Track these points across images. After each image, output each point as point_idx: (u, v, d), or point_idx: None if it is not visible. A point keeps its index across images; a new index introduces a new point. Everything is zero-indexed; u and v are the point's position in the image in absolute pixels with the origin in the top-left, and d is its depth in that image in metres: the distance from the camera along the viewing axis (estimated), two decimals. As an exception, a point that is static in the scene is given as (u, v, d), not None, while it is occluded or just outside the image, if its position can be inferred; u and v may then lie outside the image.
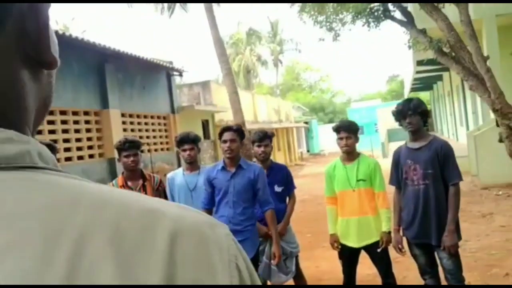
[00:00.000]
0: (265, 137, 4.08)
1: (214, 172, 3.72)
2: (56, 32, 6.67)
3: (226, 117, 15.50)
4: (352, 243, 3.84)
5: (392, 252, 3.84)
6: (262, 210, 3.72)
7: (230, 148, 3.62)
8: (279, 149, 25.28)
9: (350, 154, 3.88)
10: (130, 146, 3.69)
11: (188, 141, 3.96)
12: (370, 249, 3.83)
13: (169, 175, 4.25)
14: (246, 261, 0.46)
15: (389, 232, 3.77)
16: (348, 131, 3.82)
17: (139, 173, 3.82)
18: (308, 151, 35.53)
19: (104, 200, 0.41)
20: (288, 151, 27.74)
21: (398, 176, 3.65)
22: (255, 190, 3.66)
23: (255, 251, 3.71)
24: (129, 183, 3.77)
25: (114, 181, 3.82)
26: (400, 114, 3.52)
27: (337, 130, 3.89)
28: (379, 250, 3.76)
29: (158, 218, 0.41)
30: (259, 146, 4.07)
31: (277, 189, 4.13)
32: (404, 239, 3.69)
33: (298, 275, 4.25)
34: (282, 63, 49.93)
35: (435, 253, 3.54)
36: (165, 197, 3.94)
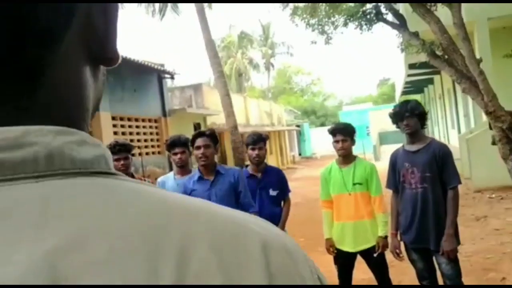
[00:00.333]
0: (259, 140, 3.99)
1: (191, 184, 3.50)
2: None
3: (218, 120, 15.41)
4: (348, 247, 3.77)
5: (387, 256, 3.77)
6: None
7: (205, 154, 3.41)
8: (271, 153, 25.22)
9: (346, 157, 3.81)
10: (120, 150, 3.60)
11: (179, 144, 3.86)
12: (366, 254, 3.76)
13: (159, 179, 4.15)
14: (320, 272, 0.44)
15: (386, 237, 3.70)
16: (344, 133, 3.75)
17: (130, 177, 3.71)
18: (300, 154, 35.52)
19: (193, 209, 0.40)
20: (280, 155, 27.69)
21: (395, 180, 3.58)
22: (237, 194, 3.50)
23: None
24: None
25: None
26: (397, 116, 3.45)
27: (332, 132, 3.82)
28: (375, 255, 3.69)
29: (245, 227, 0.40)
30: (253, 149, 3.98)
31: (272, 193, 4.05)
32: (402, 243, 3.63)
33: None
34: (274, 67, 50.06)
35: (434, 258, 3.48)
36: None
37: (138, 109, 11.26)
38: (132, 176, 3.77)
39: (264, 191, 4.02)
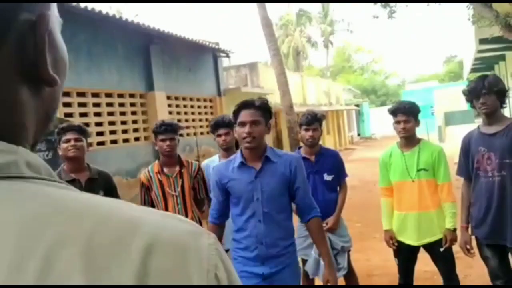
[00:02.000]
0: (314, 119, 3.67)
1: (230, 170, 2.61)
2: (101, 14, 6.53)
3: (274, 99, 15.12)
4: (410, 240, 3.41)
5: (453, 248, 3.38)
6: (304, 219, 2.69)
7: (251, 133, 2.47)
8: (329, 133, 24.65)
9: (409, 140, 3.41)
10: (166, 130, 3.41)
11: (223, 125, 3.62)
12: (431, 247, 3.39)
13: (204, 162, 3.94)
14: (229, 271, 0.46)
15: (454, 230, 3.30)
16: (407, 113, 3.35)
17: (176, 159, 3.54)
18: (358, 134, 34.59)
19: (84, 211, 0.42)
20: (338, 135, 27.02)
21: (468, 166, 3.15)
22: (293, 192, 2.60)
23: (298, 282, 2.79)
24: (165, 170, 3.50)
25: (150, 167, 3.57)
26: (472, 93, 3.00)
27: (393, 112, 3.43)
28: (442, 249, 3.31)
29: (136, 229, 0.42)
30: (307, 130, 3.67)
31: (327, 177, 3.74)
32: (473, 238, 3.22)
33: (350, 272, 3.86)
34: (333, 44, 48.69)
35: (510, 256, 3.05)
36: (204, 185, 3.65)
37: (193, 88, 11.19)
38: (179, 158, 3.58)
39: (318, 176, 3.73)
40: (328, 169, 3.74)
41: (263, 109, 2.58)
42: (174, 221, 0.46)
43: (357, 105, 33.97)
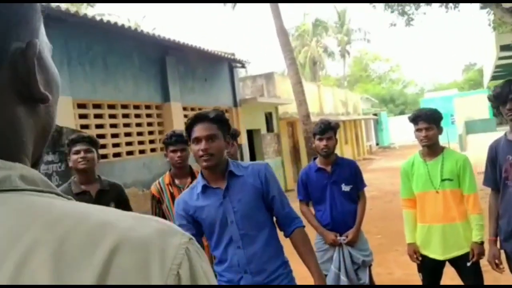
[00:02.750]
0: (328, 128, 3.54)
1: (194, 198, 2.29)
2: (116, 25, 6.52)
3: (291, 109, 14.99)
4: (435, 254, 3.23)
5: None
6: (286, 233, 2.36)
7: (207, 150, 2.17)
8: (346, 142, 24.39)
9: (432, 148, 3.25)
10: (177, 141, 3.32)
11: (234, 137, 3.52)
12: (457, 262, 3.20)
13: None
14: (194, 269, 0.48)
15: (482, 243, 3.11)
16: (429, 120, 3.19)
17: (188, 170, 3.44)
18: (377, 144, 34.17)
19: (62, 217, 0.46)
20: (356, 144, 26.72)
21: (495, 176, 2.97)
22: (268, 202, 2.30)
23: None
24: (177, 181, 3.40)
25: (160, 179, 3.48)
26: (498, 99, 2.83)
27: (414, 120, 3.27)
28: (469, 264, 3.12)
29: (106, 231, 0.45)
30: (320, 139, 3.54)
31: (345, 188, 3.60)
32: (502, 252, 3.02)
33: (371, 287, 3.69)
34: (350, 54, 48.43)
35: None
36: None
37: (209, 98, 11.15)
38: (190, 169, 3.48)
39: (335, 187, 3.58)
40: (345, 179, 3.60)
41: (219, 121, 2.26)
42: (148, 223, 0.49)
43: (375, 114, 33.62)
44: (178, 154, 3.32)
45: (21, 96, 0.52)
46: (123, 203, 3.21)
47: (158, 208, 3.45)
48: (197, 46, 10.16)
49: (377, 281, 4.89)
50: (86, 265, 0.43)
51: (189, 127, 2.25)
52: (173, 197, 3.37)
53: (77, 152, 3.03)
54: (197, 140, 2.20)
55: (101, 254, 0.43)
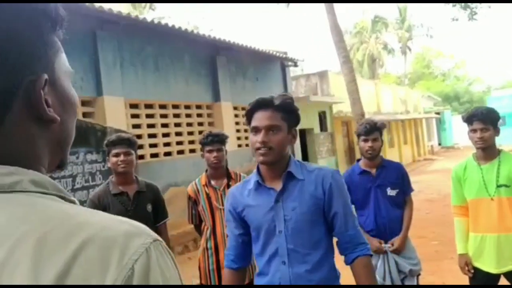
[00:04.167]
0: (373, 129, 3.33)
1: (245, 194, 1.99)
2: (167, 27, 6.60)
3: (345, 108, 14.64)
4: (489, 267, 2.94)
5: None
6: (347, 259, 1.96)
7: (266, 143, 1.85)
8: (406, 142, 23.52)
9: (487, 151, 2.97)
10: (213, 141, 3.25)
11: None
12: (514, 276, 2.90)
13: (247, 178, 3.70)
14: (149, 266, 0.55)
15: (544, 256, 2.80)
16: (484, 121, 2.92)
17: (224, 171, 3.37)
18: (439, 144, 32.71)
19: (53, 216, 0.56)
20: (417, 144, 25.71)
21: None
22: (329, 218, 1.91)
23: None
24: (213, 182, 3.34)
25: (197, 180, 3.43)
26: None
27: (469, 120, 3.01)
28: (528, 279, 2.82)
29: (82, 229, 0.55)
30: (365, 140, 3.34)
31: (390, 192, 3.37)
32: None
33: (418, 300, 3.44)
34: (411, 50, 46.75)
35: None
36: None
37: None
38: (227, 170, 3.40)
39: (380, 190, 3.37)
40: (391, 182, 3.37)
41: (286, 110, 1.89)
42: (120, 225, 0.58)
43: (437, 113, 32.19)
44: (214, 154, 3.26)
45: (35, 117, 0.64)
46: (159, 203, 3.19)
47: (194, 209, 3.40)
48: (248, 46, 10.12)
49: (430, 291, 4.60)
50: (59, 254, 0.52)
51: (250, 113, 1.93)
52: (209, 198, 3.31)
53: (117, 155, 3.03)
54: (256, 130, 1.87)
55: (73, 246, 0.53)
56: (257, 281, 2.01)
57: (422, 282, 4.71)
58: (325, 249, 1.91)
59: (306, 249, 1.87)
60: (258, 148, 1.85)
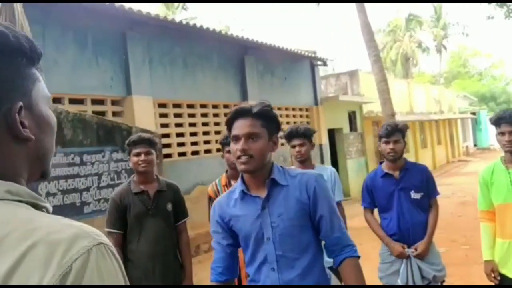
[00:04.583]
0: (394, 130, 3.26)
1: (231, 204, 1.98)
2: (196, 27, 6.66)
3: (376, 108, 14.41)
4: (516, 274, 2.84)
5: None
6: (335, 262, 1.93)
7: (246, 151, 1.83)
8: (440, 143, 22.97)
9: (517, 155, 2.86)
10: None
11: (297, 135, 3.36)
12: (543, 285, 2.78)
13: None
14: (87, 266, 0.64)
15: None
16: (513, 123, 2.82)
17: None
18: (475, 145, 31.79)
19: (14, 220, 0.66)
20: (451, 145, 25.07)
21: None
22: (315, 221, 1.91)
23: None
24: (233, 183, 3.34)
25: (217, 180, 3.44)
26: None
27: (496, 122, 2.92)
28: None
29: (34, 232, 0.64)
30: (387, 142, 3.27)
31: (414, 195, 3.29)
32: None
33: (443, 307, 3.35)
34: (447, 49, 45.57)
35: None
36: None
37: (288, 98, 11.05)
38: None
39: (403, 194, 3.30)
40: (415, 186, 3.29)
41: (265, 117, 1.88)
42: (69, 229, 0.67)
43: (473, 113, 31.30)
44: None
45: (12, 137, 0.75)
46: (179, 202, 3.21)
47: (214, 209, 3.41)
48: (277, 45, 10.09)
49: (457, 297, 4.47)
50: (11, 253, 0.62)
51: (229, 122, 1.92)
52: (229, 199, 3.32)
53: (137, 155, 3.07)
54: (236, 138, 1.87)
55: (23, 247, 0.63)
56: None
57: None
58: (314, 252, 1.90)
59: (295, 254, 1.87)
60: (239, 157, 1.84)
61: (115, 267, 0.67)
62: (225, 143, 3.30)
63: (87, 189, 4.14)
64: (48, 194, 3.86)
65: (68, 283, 0.62)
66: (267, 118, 1.89)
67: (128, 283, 0.71)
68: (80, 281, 0.62)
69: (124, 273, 0.71)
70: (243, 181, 1.95)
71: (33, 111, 0.79)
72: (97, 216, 4.01)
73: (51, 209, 0.77)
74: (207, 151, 8.57)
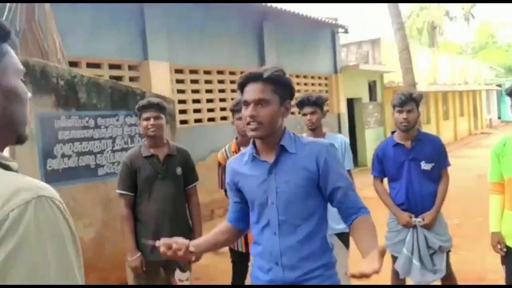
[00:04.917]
0: (408, 100, 3.21)
1: (242, 164, 2.00)
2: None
3: (398, 78, 14.13)
4: (524, 247, 2.82)
5: None
6: (349, 221, 1.88)
7: (255, 117, 1.81)
8: (462, 115, 22.53)
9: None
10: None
11: (308, 103, 3.33)
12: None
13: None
14: (23, 215, 0.71)
15: None
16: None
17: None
18: (499, 117, 31.07)
19: None
20: (474, 117, 24.58)
21: None
22: (326, 192, 1.88)
23: None
24: (242, 149, 3.35)
25: (227, 146, 3.47)
26: None
27: (511, 94, 2.84)
28: None
29: (9, 189, 0.74)
30: (400, 111, 3.23)
31: (425, 166, 3.27)
32: None
33: (448, 276, 3.36)
34: (475, 18, 44.01)
35: None
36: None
37: (307, 66, 10.90)
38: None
39: (414, 164, 3.28)
40: (426, 156, 3.26)
41: (276, 82, 1.82)
42: (15, 183, 0.76)
43: (499, 85, 30.45)
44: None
45: None
46: (188, 166, 3.25)
47: (224, 174, 3.45)
48: (296, 12, 9.89)
49: (468, 268, 4.47)
50: None
51: (241, 87, 1.89)
52: (238, 165, 3.34)
53: (147, 119, 3.09)
54: (246, 104, 1.83)
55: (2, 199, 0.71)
56: (252, 249, 2.05)
57: (461, 259, 4.59)
58: (317, 221, 1.90)
59: (297, 221, 1.87)
60: (248, 123, 1.82)
61: (58, 219, 0.74)
62: (235, 109, 3.29)
63: (102, 152, 4.22)
64: (63, 155, 3.95)
65: (4, 229, 0.69)
66: (278, 83, 1.84)
67: (75, 235, 0.78)
68: (16, 228, 0.69)
69: (71, 226, 0.77)
70: (254, 146, 1.95)
71: (4, 81, 0.87)
72: (111, 178, 4.10)
73: (16, 166, 0.85)
74: (223, 118, 8.59)
